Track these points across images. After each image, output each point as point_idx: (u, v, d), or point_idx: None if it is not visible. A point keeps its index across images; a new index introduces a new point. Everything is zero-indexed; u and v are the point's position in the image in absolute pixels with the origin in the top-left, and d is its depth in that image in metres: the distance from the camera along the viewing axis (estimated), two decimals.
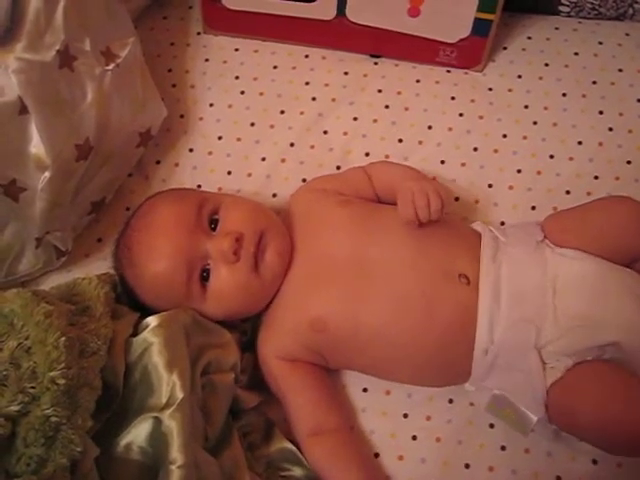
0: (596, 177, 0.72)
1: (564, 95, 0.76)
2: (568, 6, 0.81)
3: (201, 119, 0.77)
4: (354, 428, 0.63)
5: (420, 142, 0.74)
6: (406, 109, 0.76)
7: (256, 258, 0.60)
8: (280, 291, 0.63)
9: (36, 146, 0.60)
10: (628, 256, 0.61)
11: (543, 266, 0.59)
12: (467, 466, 0.62)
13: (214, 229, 0.61)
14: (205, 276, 0.60)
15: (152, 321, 0.57)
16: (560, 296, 0.58)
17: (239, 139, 0.76)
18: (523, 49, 0.79)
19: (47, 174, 0.60)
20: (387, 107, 0.76)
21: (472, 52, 0.76)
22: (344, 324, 0.60)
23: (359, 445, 0.62)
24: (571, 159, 0.73)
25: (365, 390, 0.65)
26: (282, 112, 0.76)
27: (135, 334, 0.57)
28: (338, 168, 0.74)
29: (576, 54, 0.78)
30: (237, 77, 0.79)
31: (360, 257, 0.61)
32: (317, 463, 0.60)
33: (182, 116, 0.77)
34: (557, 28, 0.81)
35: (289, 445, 0.61)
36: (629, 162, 0.72)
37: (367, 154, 0.74)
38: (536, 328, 0.57)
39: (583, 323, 0.57)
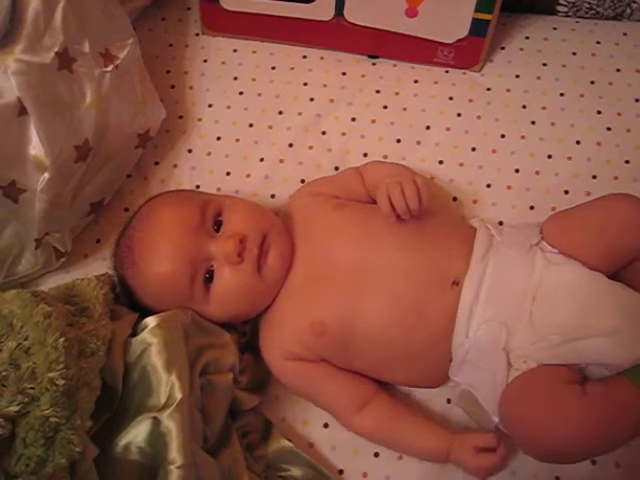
0: (594, 177, 0.72)
1: (562, 95, 0.76)
2: (566, 6, 0.81)
3: (200, 120, 0.77)
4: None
5: (418, 142, 0.75)
6: (404, 109, 0.76)
7: (259, 260, 0.60)
8: (279, 294, 0.63)
9: (35, 147, 0.60)
10: (630, 254, 0.60)
11: (529, 271, 0.59)
12: None
13: (217, 231, 0.61)
14: (208, 278, 0.60)
15: (151, 322, 0.57)
16: (539, 303, 0.57)
17: (238, 140, 0.76)
18: (521, 49, 0.79)
19: (46, 175, 0.61)
20: (385, 107, 0.76)
21: (470, 52, 0.76)
22: (342, 327, 0.60)
23: (399, 400, 0.63)
24: (569, 159, 0.73)
25: None
26: (280, 113, 0.77)
27: (134, 334, 0.57)
28: (336, 169, 0.74)
29: (574, 54, 0.78)
30: (235, 78, 0.79)
31: (357, 262, 0.61)
32: (375, 431, 0.61)
33: (181, 117, 0.77)
34: (555, 28, 0.81)
35: (288, 444, 0.62)
36: (627, 162, 0.72)
37: (365, 154, 0.74)
38: (507, 330, 0.57)
39: (556, 332, 0.57)
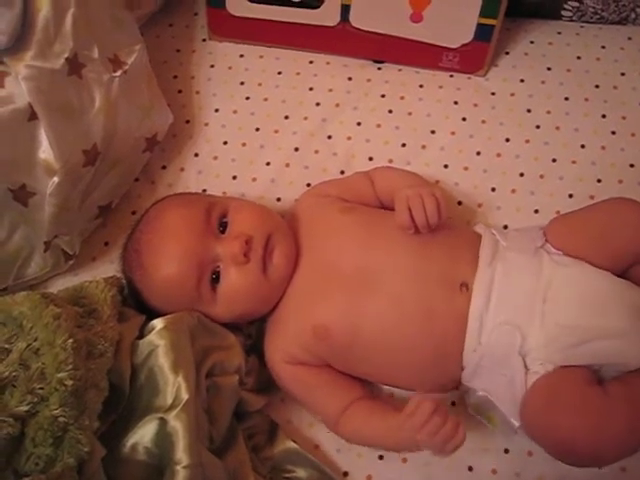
0: (599, 180, 0.72)
1: (567, 99, 0.76)
2: (570, 11, 0.81)
3: (206, 124, 0.78)
4: None
5: (423, 146, 0.75)
6: (409, 114, 0.77)
7: (264, 260, 0.61)
8: (284, 296, 0.63)
9: (45, 152, 0.61)
10: (632, 257, 0.61)
11: (538, 273, 0.59)
12: (470, 469, 0.62)
13: (222, 232, 0.62)
14: (215, 278, 0.61)
15: (158, 324, 0.58)
16: (550, 304, 0.58)
17: (244, 144, 0.76)
18: (525, 53, 0.80)
19: (56, 179, 0.61)
20: (390, 112, 0.77)
21: (475, 57, 0.77)
22: (346, 332, 0.60)
23: (384, 403, 0.63)
24: (574, 163, 0.73)
25: None
26: (286, 117, 0.77)
27: (141, 336, 0.58)
28: (342, 173, 0.74)
29: (579, 58, 0.78)
30: (242, 83, 0.80)
31: (363, 266, 0.61)
32: (356, 431, 0.60)
33: (188, 122, 0.78)
34: (559, 32, 0.81)
35: (293, 445, 0.62)
36: (632, 165, 0.72)
37: (371, 159, 0.75)
38: (521, 333, 0.57)
39: (570, 333, 0.57)
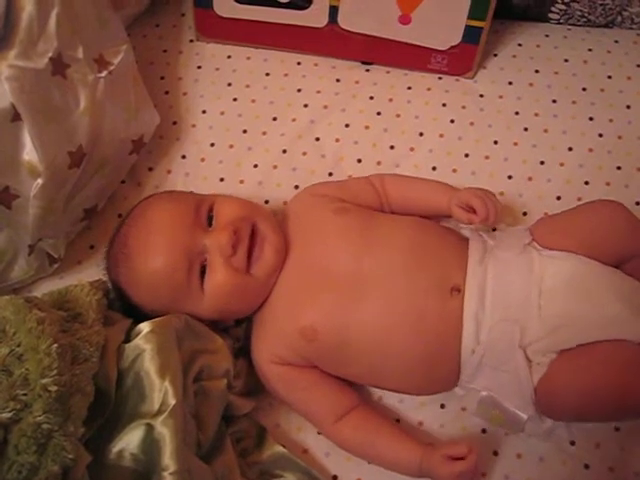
0: (586, 183, 0.72)
1: (554, 101, 0.76)
2: (558, 13, 0.82)
3: (194, 126, 0.77)
4: None
5: (412, 148, 0.75)
6: (398, 116, 0.76)
7: (251, 251, 0.60)
8: (272, 295, 0.63)
9: (29, 153, 0.60)
10: (615, 258, 0.61)
11: (529, 267, 0.60)
12: None
13: (210, 225, 0.62)
14: (203, 271, 0.60)
15: (144, 327, 0.57)
16: (546, 296, 0.58)
17: (231, 146, 0.76)
18: (513, 56, 0.80)
19: (40, 181, 0.60)
20: (379, 114, 0.77)
21: (463, 59, 0.77)
22: (334, 333, 0.60)
23: (380, 413, 0.63)
24: (562, 165, 0.73)
25: None
26: (274, 119, 0.77)
27: (127, 340, 0.57)
28: (330, 175, 0.74)
29: (566, 61, 0.79)
30: (229, 84, 0.79)
31: (353, 269, 0.61)
32: (351, 441, 0.61)
33: (175, 123, 0.77)
34: (547, 35, 0.81)
35: (282, 449, 0.62)
36: (619, 168, 0.73)
37: (359, 160, 0.74)
38: (520, 328, 0.58)
39: (568, 322, 0.58)
